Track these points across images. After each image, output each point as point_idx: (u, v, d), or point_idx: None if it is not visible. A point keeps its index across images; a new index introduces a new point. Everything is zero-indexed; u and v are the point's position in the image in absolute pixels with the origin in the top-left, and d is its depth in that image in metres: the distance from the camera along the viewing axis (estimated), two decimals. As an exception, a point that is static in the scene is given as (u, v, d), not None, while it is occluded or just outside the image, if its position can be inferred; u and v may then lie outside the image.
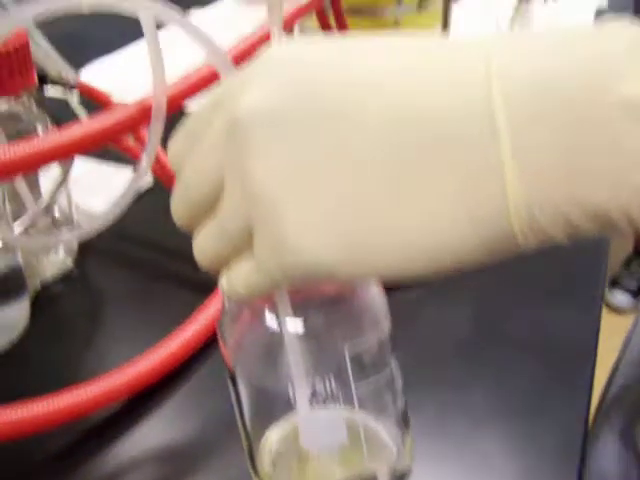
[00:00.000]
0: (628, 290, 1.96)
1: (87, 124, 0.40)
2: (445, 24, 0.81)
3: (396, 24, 0.81)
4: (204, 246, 0.30)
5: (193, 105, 0.47)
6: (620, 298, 1.95)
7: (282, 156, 0.26)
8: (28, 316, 0.50)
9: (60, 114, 0.56)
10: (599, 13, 1.06)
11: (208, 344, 0.47)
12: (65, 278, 0.55)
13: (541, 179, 0.23)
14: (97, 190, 0.62)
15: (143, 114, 0.42)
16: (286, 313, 0.31)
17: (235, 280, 0.29)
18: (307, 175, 0.25)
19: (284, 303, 0.32)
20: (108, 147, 0.51)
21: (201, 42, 0.36)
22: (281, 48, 0.28)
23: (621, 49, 0.23)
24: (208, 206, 0.29)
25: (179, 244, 0.56)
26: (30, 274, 0.52)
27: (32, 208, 0.47)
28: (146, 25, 0.40)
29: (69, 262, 0.55)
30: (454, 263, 0.25)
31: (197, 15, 1.08)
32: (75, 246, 0.56)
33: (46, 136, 0.39)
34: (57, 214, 0.56)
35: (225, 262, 0.30)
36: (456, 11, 0.81)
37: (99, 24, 1.02)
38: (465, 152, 0.24)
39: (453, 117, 0.24)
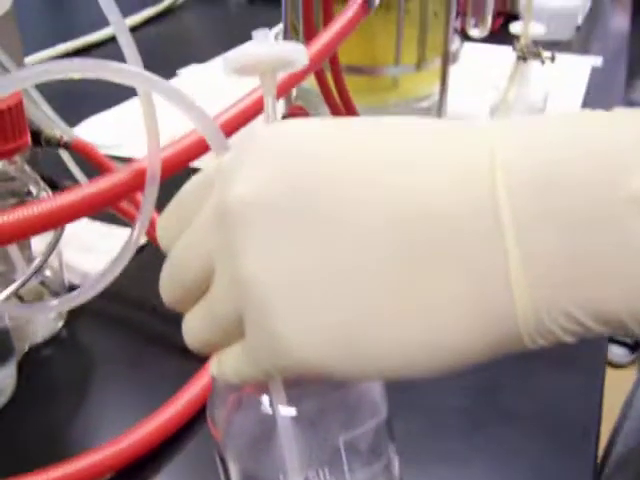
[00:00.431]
0: (625, 344, 1.95)
1: (82, 190, 0.40)
2: (443, 84, 0.81)
3: (394, 83, 0.81)
4: (193, 329, 0.29)
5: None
6: (617, 352, 1.94)
7: (273, 251, 0.25)
8: (15, 382, 0.48)
9: (52, 169, 0.55)
10: (594, 72, 1.08)
11: (200, 414, 0.46)
12: (54, 340, 0.54)
13: (548, 282, 0.22)
14: (87, 248, 0.62)
15: (139, 179, 0.41)
16: (279, 399, 0.30)
17: (225, 366, 0.28)
18: (300, 273, 0.24)
19: (277, 389, 0.30)
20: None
21: (188, 111, 0.35)
22: (275, 131, 0.27)
23: (629, 141, 0.22)
24: (197, 288, 0.28)
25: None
26: (18, 336, 0.50)
27: (23, 271, 0.46)
28: (140, 91, 0.39)
29: (59, 324, 0.54)
30: (457, 363, 0.24)
31: (186, 74, 1.08)
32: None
33: (40, 202, 0.38)
34: (47, 272, 0.55)
35: (215, 347, 0.29)
36: (454, 71, 0.82)
37: (93, 80, 1.03)
38: (470, 251, 0.23)
39: (457, 214, 0.23)
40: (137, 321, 0.56)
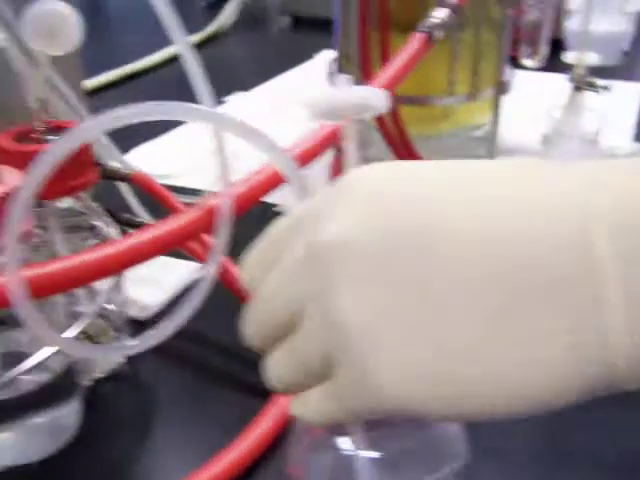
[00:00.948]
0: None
1: (158, 229, 0.39)
2: (496, 114, 0.80)
3: (447, 113, 0.80)
4: (278, 370, 0.29)
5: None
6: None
7: (368, 291, 0.25)
8: (78, 421, 0.48)
9: (108, 200, 0.55)
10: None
11: (267, 454, 0.45)
12: (115, 376, 0.53)
13: None
14: (146, 280, 0.61)
15: (211, 218, 0.41)
16: (359, 442, 0.30)
17: (308, 406, 0.28)
18: (395, 312, 0.25)
19: (357, 431, 0.30)
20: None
21: (269, 151, 0.35)
22: (367, 174, 0.27)
23: None
24: (284, 328, 0.28)
25: (235, 342, 0.54)
26: (79, 371, 0.50)
27: (87, 310, 0.46)
28: (213, 130, 0.39)
29: (121, 359, 0.54)
30: (551, 405, 0.24)
31: (232, 101, 1.08)
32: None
33: (117, 242, 0.38)
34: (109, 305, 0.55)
35: (298, 387, 0.29)
36: (507, 101, 0.81)
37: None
38: (568, 295, 0.23)
39: (552, 262, 0.23)
40: (199, 358, 0.55)
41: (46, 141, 0.46)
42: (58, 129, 0.47)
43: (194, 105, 0.36)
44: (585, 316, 0.22)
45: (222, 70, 1.34)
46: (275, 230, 0.30)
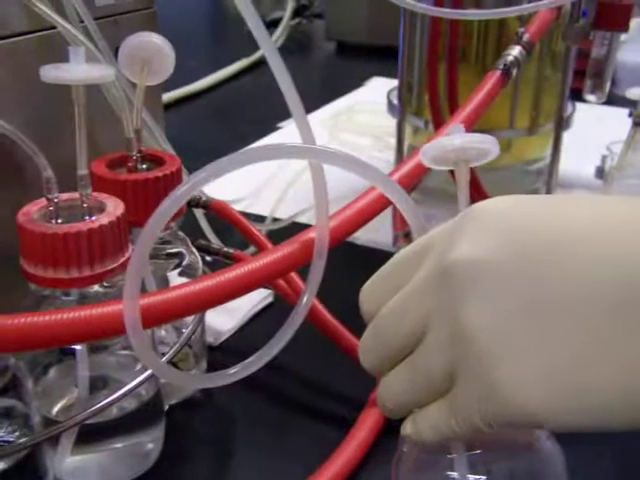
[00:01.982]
0: None
1: (254, 264, 0.40)
2: (555, 149, 0.81)
3: (507, 146, 0.81)
4: (395, 389, 0.30)
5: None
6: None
7: (497, 305, 0.26)
8: (161, 447, 0.48)
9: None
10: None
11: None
12: (190, 402, 0.54)
13: None
14: (221, 308, 0.62)
15: (307, 252, 0.41)
16: (464, 464, 0.31)
17: (422, 425, 0.29)
18: (522, 327, 0.26)
19: (463, 453, 0.31)
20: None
21: (388, 191, 0.36)
22: (487, 204, 0.29)
23: None
24: (402, 351, 0.30)
25: (313, 370, 0.55)
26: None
27: (173, 340, 0.47)
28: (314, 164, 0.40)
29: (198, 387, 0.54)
30: None
31: (288, 127, 1.09)
32: (204, 368, 0.55)
33: (210, 277, 0.38)
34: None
35: (414, 406, 0.30)
36: (566, 136, 0.81)
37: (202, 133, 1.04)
38: None
39: None
40: (276, 385, 0.55)
41: (140, 169, 0.47)
42: (150, 158, 0.48)
43: (298, 144, 0.37)
44: None
45: (270, 96, 1.35)
46: (398, 257, 0.32)
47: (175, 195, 0.32)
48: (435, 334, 0.28)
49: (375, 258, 0.73)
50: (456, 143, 0.33)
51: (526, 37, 0.62)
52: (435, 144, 0.33)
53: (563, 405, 0.25)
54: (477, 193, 0.72)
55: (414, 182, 0.48)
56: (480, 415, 0.27)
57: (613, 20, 0.72)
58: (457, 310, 0.27)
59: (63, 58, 0.38)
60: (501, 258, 0.26)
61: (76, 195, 0.41)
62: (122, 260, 0.41)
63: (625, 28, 0.73)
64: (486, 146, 0.33)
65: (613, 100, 1.16)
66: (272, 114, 1.12)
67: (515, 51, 0.60)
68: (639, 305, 0.24)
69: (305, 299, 0.41)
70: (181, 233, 0.51)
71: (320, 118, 1.14)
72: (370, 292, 0.32)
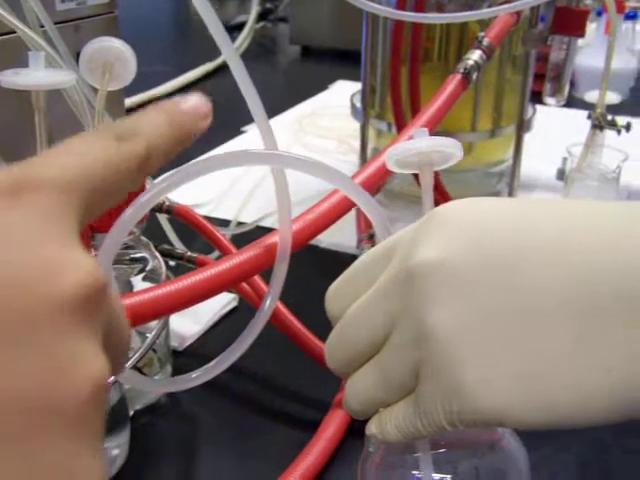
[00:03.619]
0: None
1: (217, 268, 0.40)
2: (517, 152, 0.82)
3: (469, 149, 0.82)
4: (360, 389, 0.31)
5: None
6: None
7: (460, 306, 0.26)
8: (126, 452, 0.48)
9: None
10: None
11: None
12: (154, 407, 0.53)
13: None
14: (185, 313, 0.62)
15: (270, 256, 0.41)
16: (429, 462, 0.31)
17: (389, 424, 0.30)
18: (488, 328, 0.26)
19: (428, 452, 0.31)
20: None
21: (353, 194, 0.36)
22: (451, 207, 0.29)
23: None
24: (368, 351, 0.30)
25: (278, 373, 0.55)
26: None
27: (137, 345, 0.47)
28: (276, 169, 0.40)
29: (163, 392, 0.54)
30: (625, 416, 0.25)
31: (252, 131, 1.09)
32: (169, 372, 0.55)
33: (174, 282, 0.39)
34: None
35: (380, 405, 0.30)
36: (527, 138, 0.83)
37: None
38: None
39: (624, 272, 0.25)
40: (239, 388, 0.56)
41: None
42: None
43: (262, 150, 0.37)
44: None
45: (235, 100, 1.35)
46: (362, 260, 0.32)
47: (139, 202, 0.32)
48: (400, 334, 0.28)
49: (339, 261, 0.74)
50: (420, 147, 0.33)
51: (486, 41, 0.63)
52: (399, 148, 0.34)
53: (528, 405, 0.26)
54: (440, 195, 0.73)
55: (378, 184, 0.49)
56: (444, 414, 0.27)
57: (570, 25, 0.73)
58: (422, 311, 0.27)
59: (23, 63, 0.38)
60: (465, 260, 0.27)
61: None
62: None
63: (582, 33, 0.75)
64: (449, 149, 0.34)
65: (572, 103, 1.18)
66: (236, 118, 1.12)
67: (475, 55, 0.61)
68: (603, 310, 0.25)
69: (267, 303, 0.42)
70: (144, 238, 0.51)
71: (285, 121, 1.14)
72: (336, 294, 0.32)
